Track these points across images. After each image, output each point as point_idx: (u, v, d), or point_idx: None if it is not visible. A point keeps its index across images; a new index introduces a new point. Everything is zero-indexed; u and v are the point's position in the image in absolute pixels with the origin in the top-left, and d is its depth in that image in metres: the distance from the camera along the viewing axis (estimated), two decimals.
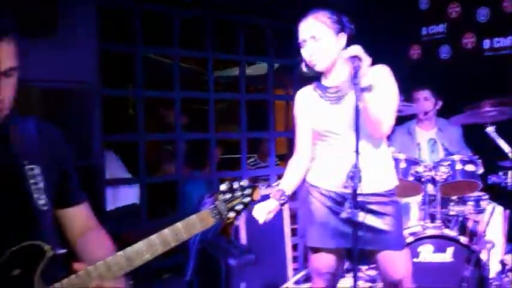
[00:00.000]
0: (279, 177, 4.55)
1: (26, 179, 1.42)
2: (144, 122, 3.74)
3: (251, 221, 4.05)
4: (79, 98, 3.24)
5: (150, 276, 3.60)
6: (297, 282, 4.32)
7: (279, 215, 4.29)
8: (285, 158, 5.34)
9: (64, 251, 1.44)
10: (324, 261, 2.49)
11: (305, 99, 2.52)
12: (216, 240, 3.88)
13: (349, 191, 2.11)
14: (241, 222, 4.07)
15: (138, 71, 3.71)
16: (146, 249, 1.42)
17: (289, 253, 4.36)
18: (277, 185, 3.50)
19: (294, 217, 4.59)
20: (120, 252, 1.41)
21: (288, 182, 2.50)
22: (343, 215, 2.25)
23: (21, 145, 1.45)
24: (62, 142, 1.60)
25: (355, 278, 2.21)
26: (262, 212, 2.35)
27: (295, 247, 4.55)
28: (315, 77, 2.50)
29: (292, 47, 4.46)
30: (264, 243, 4.07)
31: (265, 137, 4.71)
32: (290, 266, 4.36)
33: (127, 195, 4.01)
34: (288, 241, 4.35)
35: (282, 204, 2.39)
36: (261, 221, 2.37)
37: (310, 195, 2.51)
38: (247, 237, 4.07)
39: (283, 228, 4.31)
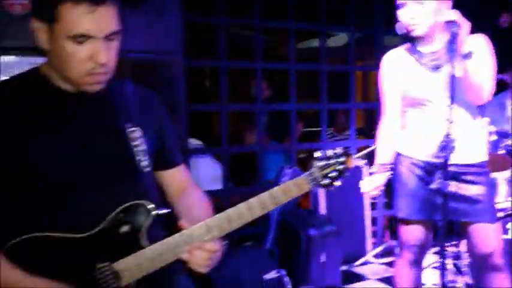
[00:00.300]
0: (359, 150, 4.52)
1: (129, 141, 1.47)
2: (226, 92, 3.79)
3: (330, 193, 4.07)
4: (165, 68, 3.33)
5: (232, 244, 3.68)
6: (376, 256, 4.28)
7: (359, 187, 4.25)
8: (362, 132, 5.27)
9: (167, 210, 1.48)
10: (413, 233, 2.44)
11: (397, 62, 2.43)
12: (296, 211, 3.91)
13: (440, 161, 2.05)
14: (320, 194, 4.08)
15: (221, 42, 3.75)
16: (246, 211, 1.43)
17: (368, 226, 4.32)
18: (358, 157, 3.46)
19: None
20: (221, 214, 1.43)
21: (385, 153, 2.46)
22: (433, 185, 2.20)
23: (123, 108, 1.50)
24: (159, 105, 1.64)
25: (443, 252, 2.16)
26: (371, 187, 2.37)
27: (374, 221, 4.49)
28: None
29: (372, 17, 4.37)
30: (344, 215, 4.05)
31: (346, 108, 4.64)
32: (369, 239, 4.32)
33: (206, 165, 4.10)
34: (368, 214, 4.31)
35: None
36: (368, 193, 2.40)
37: (399, 165, 2.45)
38: (327, 208, 4.07)
39: (363, 201, 4.27)
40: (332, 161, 1.49)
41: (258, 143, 4.08)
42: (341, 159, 1.49)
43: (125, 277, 1.37)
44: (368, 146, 4.43)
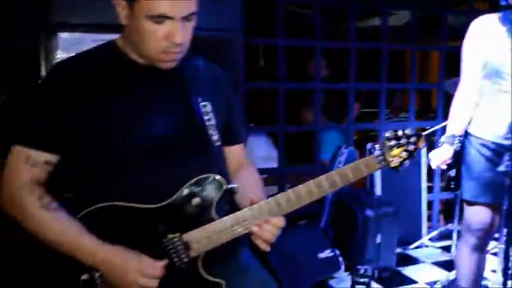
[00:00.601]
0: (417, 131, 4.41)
1: (202, 114, 1.50)
2: (284, 71, 3.78)
3: (387, 174, 4.02)
4: (226, 46, 3.34)
5: (287, 223, 3.71)
6: (431, 240, 4.22)
7: (417, 169, 4.19)
8: (419, 114, 5.14)
9: (236, 185, 1.49)
10: (478, 217, 2.39)
11: (486, 30, 2.31)
12: (353, 191, 3.89)
13: (510, 142, 1.98)
14: (377, 174, 4.03)
15: (279, 20, 3.73)
16: (315, 189, 1.44)
17: (424, 209, 4.25)
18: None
19: (430, 174, 4.44)
20: (290, 190, 1.45)
21: (457, 124, 2.39)
22: (501, 168, 2.14)
23: (195, 83, 1.53)
24: (228, 83, 1.67)
25: (508, 239, 2.10)
26: (438, 159, 2.33)
27: (429, 205, 4.41)
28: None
29: None
30: (399, 197, 4.00)
31: (406, 88, 4.55)
32: (425, 222, 4.26)
33: (260, 144, 4.12)
34: (424, 197, 4.24)
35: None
36: (435, 166, 2.37)
37: (468, 145, 2.39)
38: (383, 189, 4.03)
39: (420, 183, 4.19)
40: (402, 141, 1.48)
41: (315, 122, 4.05)
42: (412, 140, 1.48)
43: (194, 248, 1.40)
44: (425, 129, 4.34)
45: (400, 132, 1.49)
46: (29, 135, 1.42)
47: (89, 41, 2.98)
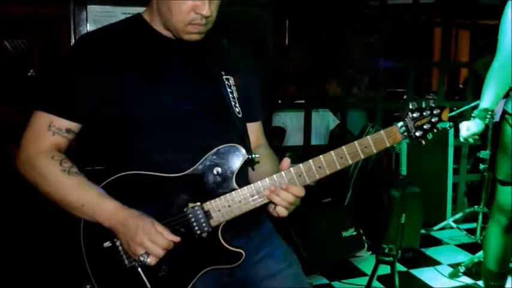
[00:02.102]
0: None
1: (225, 87, 1.50)
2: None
3: (412, 154, 3.99)
4: (255, 21, 3.31)
5: (311, 201, 3.72)
6: (456, 222, 4.18)
7: (443, 150, 4.14)
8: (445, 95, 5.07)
9: (258, 155, 1.49)
10: (510, 197, 2.36)
11: None
12: (377, 170, 3.87)
13: None
14: (402, 154, 4.00)
15: None
16: (336, 158, 1.41)
17: (450, 191, 4.22)
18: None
19: (456, 155, 4.39)
20: (311, 160, 1.42)
21: (490, 98, 2.33)
22: None
23: (219, 57, 1.53)
24: (251, 59, 1.67)
25: None
26: (467, 132, 2.29)
27: (454, 187, 4.37)
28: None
29: None
30: (425, 177, 3.97)
31: (434, 66, 4.47)
32: (450, 204, 4.23)
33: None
34: (450, 179, 4.20)
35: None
36: (463, 138, 2.32)
37: (505, 124, 2.35)
38: (408, 170, 4.00)
39: (447, 165, 4.15)
40: (426, 113, 1.44)
41: (341, 100, 4.03)
42: (435, 112, 1.44)
43: (215, 218, 1.41)
44: (452, 109, 4.27)
45: (424, 104, 1.46)
46: (53, 102, 1.43)
47: (119, 13, 3.00)
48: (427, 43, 4.28)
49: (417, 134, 1.43)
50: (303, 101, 3.99)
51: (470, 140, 2.32)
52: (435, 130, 1.45)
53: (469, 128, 2.26)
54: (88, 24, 2.94)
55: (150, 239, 1.33)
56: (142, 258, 1.34)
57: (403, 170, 4.00)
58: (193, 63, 1.49)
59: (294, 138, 4.07)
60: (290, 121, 4.07)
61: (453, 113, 4.12)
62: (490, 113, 2.26)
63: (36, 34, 5.33)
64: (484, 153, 3.59)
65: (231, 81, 1.53)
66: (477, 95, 4.25)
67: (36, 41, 5.46)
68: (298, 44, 4.56)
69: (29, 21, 5.05)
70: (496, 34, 2.37)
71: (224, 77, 1.51)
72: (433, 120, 1.44)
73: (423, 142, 1.44)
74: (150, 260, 1.35)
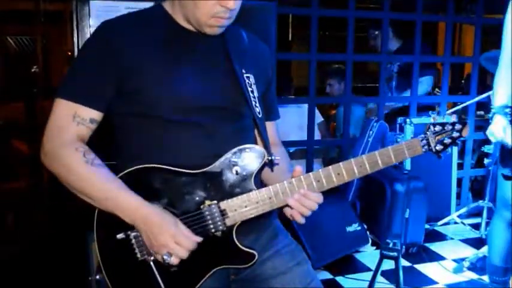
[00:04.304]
0: (448, 107, 4.35)
1: (246, 86, 1.49)
2: (316, 42, 3.74)
3: None
4: (259, 14, 3.29)
5: None
6: (460, 217, 4.17)
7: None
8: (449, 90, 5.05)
9: (278, 158, 1.48)
10: None
11: None
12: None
13: None
14: None
15: None
16: (356, 167, 1.43)
17: (454, 186, 4.20)
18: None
19: (461, 152, 4.38)
20: (330, 167, 1.43)
21: (506, 93, 2.31)
22: None
23: (239, 54, 1.51)
24: (270, 57, 1.65)
25: None
26: (497, 132, 2.28)
27: (459, 182, 4.35)
28: None
29: None
30: (429, 172, 3.95)
31: (440, 61, 4.45)
32: (454, 199, 4.21)
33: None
34: (454, 174, 4.19)
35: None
36: (498, 138, 2.31)
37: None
38: (412, 165, 3.97)
39: (451, 159, 4.14)
40: (448, 128, 1.51)
41: (344, 95, 4.01)
42: (456, 127, 1.51)
43: (230, 217, 1.40)
44: (456, 104, 4.26)
45: (446, 119, 1.56)
46: (77, 90, 1.40)
47: (122, 8, 2.98)
48: (431, 38, 4.24)
49: (437, 148, 1.50)
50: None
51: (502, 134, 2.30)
52: (455, 144, 1.51)
53: (496, 129, 2.26)
54: (90, 19, 2.93)
55: (175, 241, 1.33)
56: (165, 257, 1.34)
57: (408, 165, 3.98)
58: (213, 59, 1.48)
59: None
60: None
61: (457, 108, 4.11)
62: (509, 108, 2.25)
63: (39, 30, 5.33)
64: (489, 148, 3.57)
65: (252, 80, 1.51)
66: (480, 91, 4.25)
67: (39, 37, 5.46)
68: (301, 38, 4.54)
69: (31, 17, 5.05)
70: (500, 29, 2.36)
71: (245, 75, 1.50)
72: (453, 135, 1.51)
73: (441, 156, 1.50)
74: (173, 260, 1.35)
